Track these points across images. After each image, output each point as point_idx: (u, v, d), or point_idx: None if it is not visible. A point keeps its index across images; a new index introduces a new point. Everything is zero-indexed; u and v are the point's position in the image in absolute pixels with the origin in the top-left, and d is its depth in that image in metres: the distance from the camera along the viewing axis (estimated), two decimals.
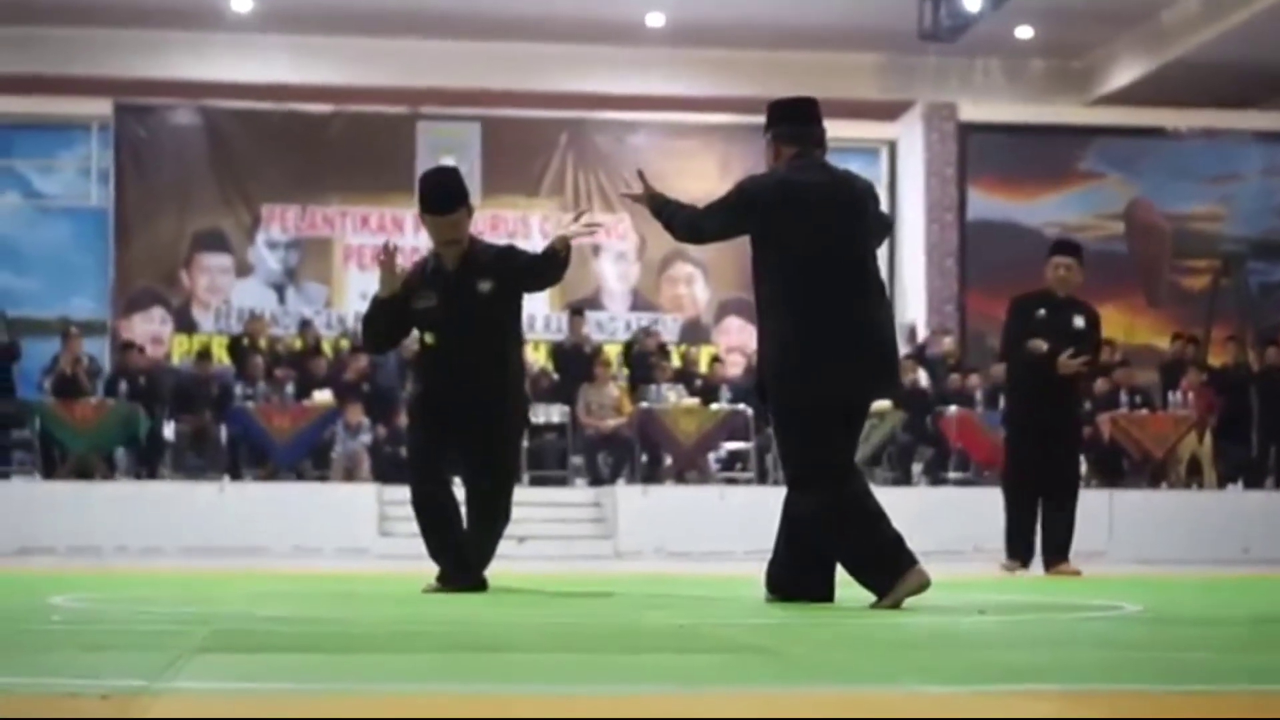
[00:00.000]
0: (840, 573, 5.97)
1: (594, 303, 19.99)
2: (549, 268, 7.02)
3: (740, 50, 19.65)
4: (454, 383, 7.04)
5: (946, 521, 14.30)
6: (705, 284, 20.65)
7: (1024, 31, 19.75)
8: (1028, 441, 10.23)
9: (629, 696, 3.06)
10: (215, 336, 19.30)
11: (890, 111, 20.94)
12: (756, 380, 6.31)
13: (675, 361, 18.43)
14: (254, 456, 16.14)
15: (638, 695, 3.08)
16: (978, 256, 20.56)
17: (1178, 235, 20.36)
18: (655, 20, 19.35)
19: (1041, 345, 10.02)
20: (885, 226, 6.40)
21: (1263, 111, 21.14)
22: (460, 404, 7.00)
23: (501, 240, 8.91)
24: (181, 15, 18.91)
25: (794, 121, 6.15)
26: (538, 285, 7.37)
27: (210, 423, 16.31)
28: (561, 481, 16.43)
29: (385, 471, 15.35)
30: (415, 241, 19.13)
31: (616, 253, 20.52)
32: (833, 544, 5.91)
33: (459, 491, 7.19)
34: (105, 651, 3.96)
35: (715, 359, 18.97)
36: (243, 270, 20.03)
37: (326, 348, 17.98)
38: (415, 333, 7.34)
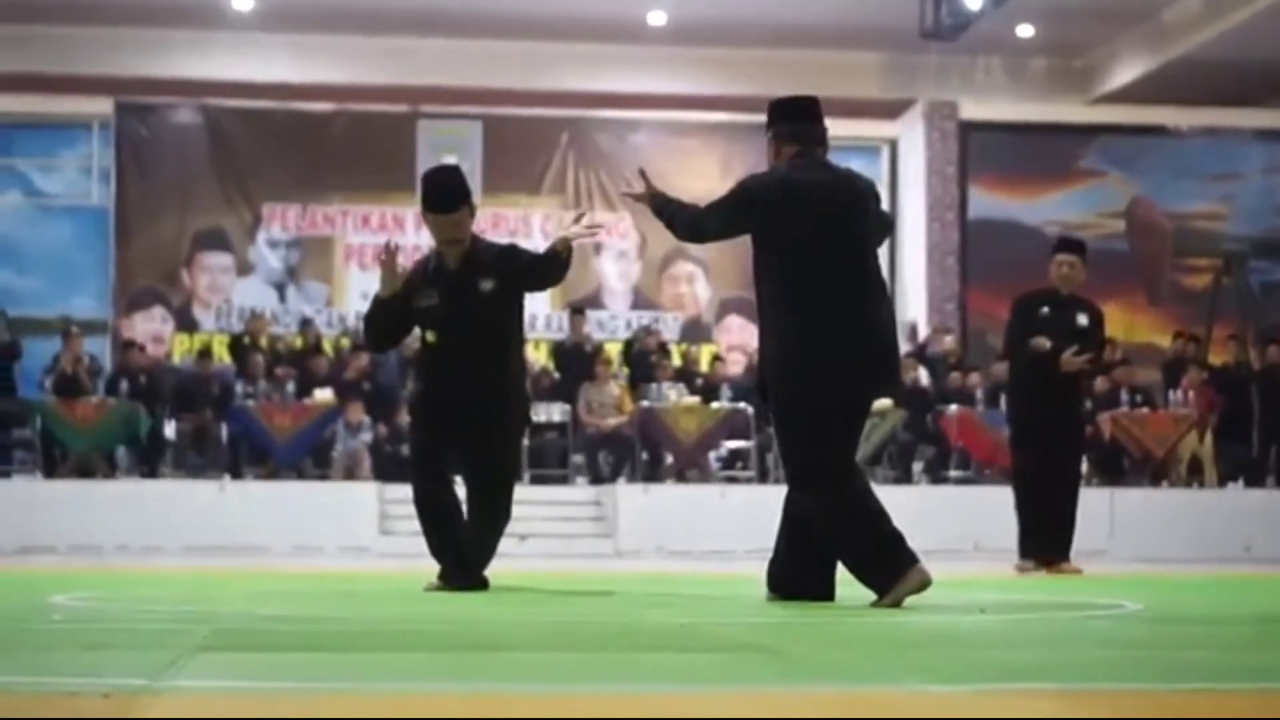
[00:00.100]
0: (841, 572, 5.97)
1: (595, 301, 19.99)
2: (550, 268, 7.02)
3: (741, 49, 19.64)
4: (455, 381, 7.04)
5: (947, 520, 14.31)
6: (706, 283, 20.65)
7: (1025, 30, 19.74)
8: (1031, 440, 10.22)
9: (629, 696, 3.06)
10: (216, 335, 19.31)
11: (891, 110, 20.93)
12: (757, 379, 6.31)
13: (676, 360, 18.42)
14: (255, 455, 16.14)
15: (638, 694, 3.08)
16: (979, 255, 20.56)
17: (1179, 234, 20.34)
18: (657, 19, 19.35)
19: (1044, 343, 10.01)
20: (886, 226, 6.40)
21: (1264, 110, 21.13)
22: (461, 403, 7.00)
23: (503, 239, 8.92)
24: (182, 14, 18.91)
25: (795, 120, 6.14)
26: (539, 285, 7.38)
27: (211, 421, 16.32)
28: (562, 480, 16.43)
29: (386, 470, 15.34)
30: (416, 240, 19.14)
31: (617, 251, 20.52)
32: (833, 543, 5.91)
33: (460, 490, 7.19)
34: (106, 650, 3.96)
35: (716, 358, 18.97)
36: (244, 269, 20.03)
37: (327, 346, 17.98)
38: (417, 331, 7.34)
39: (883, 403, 14.74)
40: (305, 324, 18.43)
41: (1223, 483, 16.55)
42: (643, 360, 17.44)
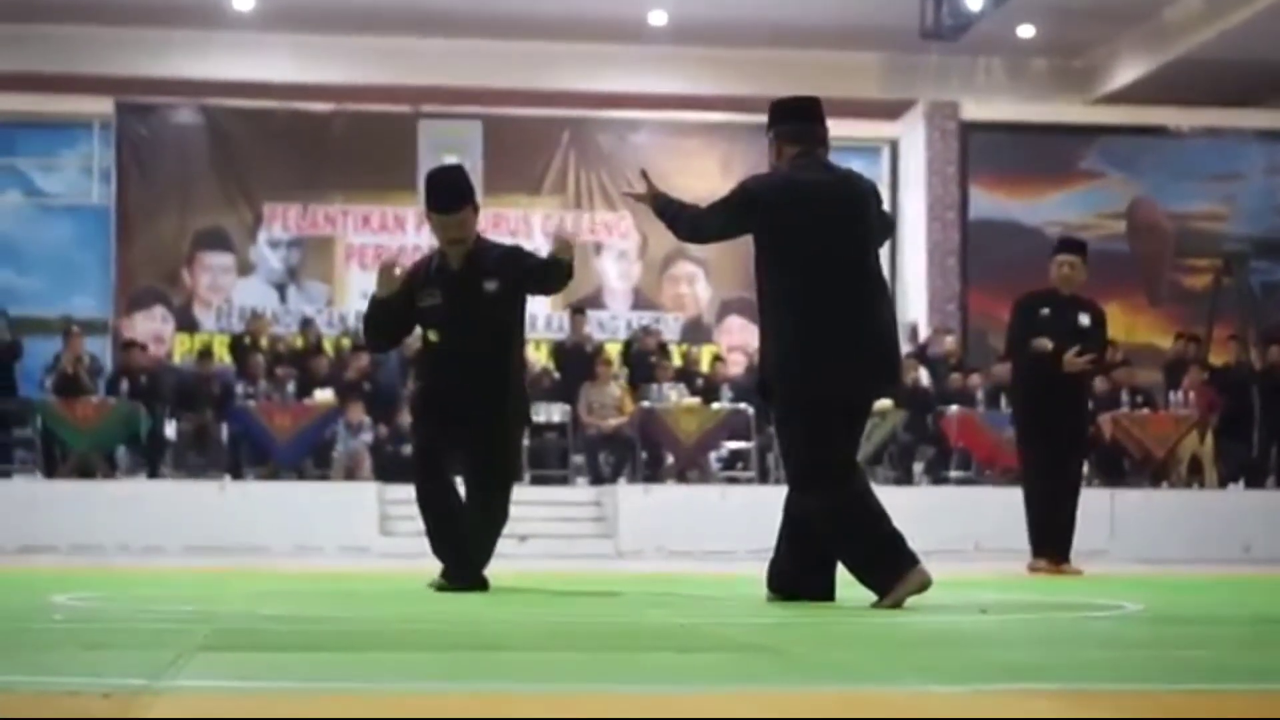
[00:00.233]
0: (841, 572, 5.97)
1: (595, 301, 19.98)
2: (553, 275, 7.02)
3: (742, 49, 19.65)
4: (456, 381, 7.05)
5: (948, 521, 14.30)
6: (707, 283, 20.64)
7: (1026, 30, 19.75)
8: (1037, 440, 10.20)
9: (629, 696, 3.06)
10: (217, 335, 19.30)
11: (892, 110, 20.93)
12: (758, 379, 6.31)
13: (676, 360, 18.42)
14: (255, 455, 16.14)
15: (638, 694, 3.08)
16: (979, 255, 20.56)
17: (1180, 234, 20.35)
18: (657, 19, 19.35)
19: (1046, 344, 9.99)
20: (887, 226, 6.40)
21: (1265, 110, 21.13)
22: (461, 402, 7.01)
23: (504, 239, 8.91)
24: (183, 14, 18.91)
25: (796, 120, 6.14)
26: (542, 290, 7.38)
27: (211, 421, 16.31)
28: (562, 481, 16.43)
29: (386, 470, 15.34)
30: (417, 240, 19.17)
31: (618, 251, 20.51)
32: (834, 543, 5.91)
33: (461, 489, 7.19)
34: (107, 650, 3.97)
35: (717, 358, 18.97)
36: (244, 269, 20.03)
37: (328, 346, 17.98)
38: (418, 330, 7.34)
39: (883, 403, 14.76)
40: (306, 324, 18.43)
41: (1223, 483, 16.55)
42: (643, 360, 17.44)
